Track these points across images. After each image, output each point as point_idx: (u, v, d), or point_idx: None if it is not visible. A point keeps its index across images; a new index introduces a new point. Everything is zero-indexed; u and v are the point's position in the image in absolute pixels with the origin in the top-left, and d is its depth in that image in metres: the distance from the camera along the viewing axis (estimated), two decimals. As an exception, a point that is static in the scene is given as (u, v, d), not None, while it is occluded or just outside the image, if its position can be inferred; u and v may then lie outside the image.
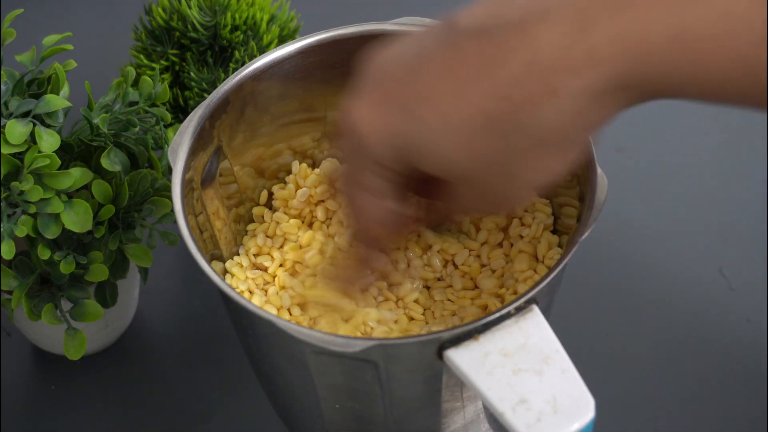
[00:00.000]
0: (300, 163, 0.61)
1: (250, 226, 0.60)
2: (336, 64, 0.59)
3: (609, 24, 0.39)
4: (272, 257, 0.58)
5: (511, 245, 0.58)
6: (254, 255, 0.59)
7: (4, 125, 0.56)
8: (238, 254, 0.59)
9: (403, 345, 0.48)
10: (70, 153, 0.60)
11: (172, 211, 0.58)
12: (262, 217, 0.60)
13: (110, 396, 0.66)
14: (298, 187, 0.60)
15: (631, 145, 0.76)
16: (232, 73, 0.60)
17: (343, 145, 0.46)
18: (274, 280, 0.58)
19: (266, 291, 0.57)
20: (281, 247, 0.59)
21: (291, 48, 0.58)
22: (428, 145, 0.43)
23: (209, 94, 0.59)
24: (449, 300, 0.57)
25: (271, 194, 0.62)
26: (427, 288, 0.58)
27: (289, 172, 0.62)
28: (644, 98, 0.42)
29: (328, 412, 0.53)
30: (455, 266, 0.58)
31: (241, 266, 0.58)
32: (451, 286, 0.57)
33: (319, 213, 0.60)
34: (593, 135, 0.43)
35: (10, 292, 0.61)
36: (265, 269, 0.58)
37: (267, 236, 0.59)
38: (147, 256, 0.60)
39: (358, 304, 0.54)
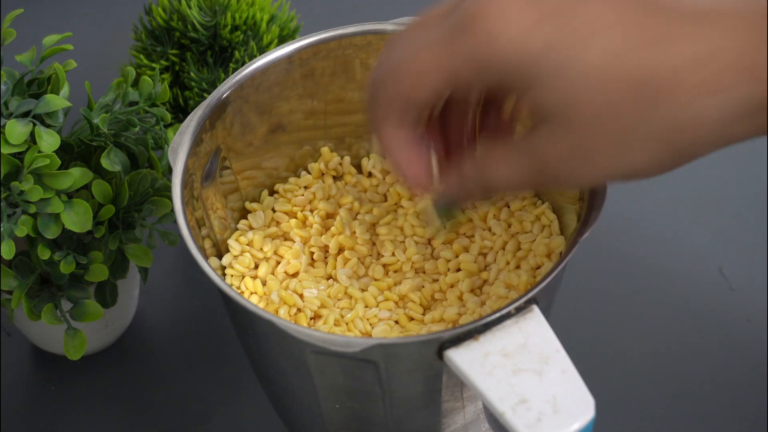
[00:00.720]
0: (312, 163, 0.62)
1: (243, 223, 0.60)
2: (336, 64, 0.59)
3: None
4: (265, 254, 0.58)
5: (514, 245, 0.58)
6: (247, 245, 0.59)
7: (4, 125, 0.56)
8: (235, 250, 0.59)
9: (403, 345, 0.48)
10: (70, 153, 0.60)
11: (172, 211, 0.58)
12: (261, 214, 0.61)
13: (110, 396, 0.66)
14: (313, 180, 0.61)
15: (631, 145, 0.76)
16: (232, 73, 0.60)
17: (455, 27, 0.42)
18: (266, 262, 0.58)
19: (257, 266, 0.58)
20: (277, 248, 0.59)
21: (291, 48, 0.58)
22: (568, 61, 0.40)
23: (209, 94, 0.59)
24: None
25: (271, 194, 0.62)
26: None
27: (289, 171, 0.62)
28: None
29: (328, 412, 0.53)
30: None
31: (240, 242, 0.58)
32: (452, 286, 0.58)
33: (317, 216, 0.60)
34: (698, 155, 0.42)
35: (10, 292, 0.61)
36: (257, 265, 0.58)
37: (266, 236, 0.59)
38: (147, 256, 0.60)
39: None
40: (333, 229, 0.59)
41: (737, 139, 0.42)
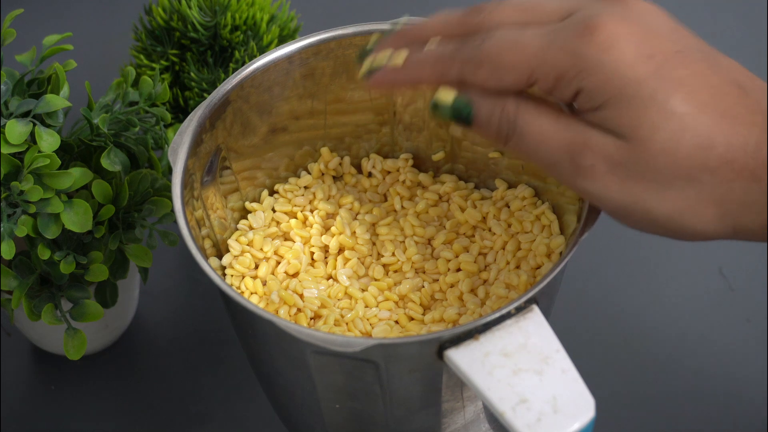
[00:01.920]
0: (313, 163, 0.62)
1: (243, 223, 0.60)
2: (336, 64, 0.59)
3: None
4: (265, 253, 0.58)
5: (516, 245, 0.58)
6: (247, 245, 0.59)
7: (4, 125, 0.56)
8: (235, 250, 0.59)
9: (403, 345, 0.48)
10: (70, 153, 0.60)
11: (172, 211, 0.58)
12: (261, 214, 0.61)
13: (110, 396, 0.66)
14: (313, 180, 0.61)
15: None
16: (232, 73, 0.60)
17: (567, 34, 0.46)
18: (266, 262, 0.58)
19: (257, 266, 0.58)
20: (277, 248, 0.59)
21: (291, 48, 0.58)
22: (662, 97, 0.44)
23: (209, 94, 0.59)
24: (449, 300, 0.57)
25: (271, 194, 0.62)
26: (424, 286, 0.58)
27: (289, 172, 0.62)
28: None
29: (328, 412, 0.53)
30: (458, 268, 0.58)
31: (239, 242, 0.58)
32: (452, 286, 0.58)
33: (318, 215, 0.60)
34: (708, 233, 0.46)
35: (10, 292, 0.61)
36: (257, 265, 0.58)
37: (266, 236, 0.59)
38: (147, 256, 0.60)
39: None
40: (333, 229, 0.59)
41: None
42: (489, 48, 0.47)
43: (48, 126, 0.57)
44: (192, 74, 0.69)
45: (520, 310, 0.47)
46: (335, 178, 0.63)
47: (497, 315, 0.47)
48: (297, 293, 0.56)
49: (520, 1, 0.49)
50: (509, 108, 0.47)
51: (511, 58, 0.47)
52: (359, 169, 0.63)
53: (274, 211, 0.61)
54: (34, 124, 0.56)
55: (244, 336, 0.54)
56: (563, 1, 0.48)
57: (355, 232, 0.59)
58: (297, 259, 0.58)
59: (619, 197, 0.46)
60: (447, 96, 0.48)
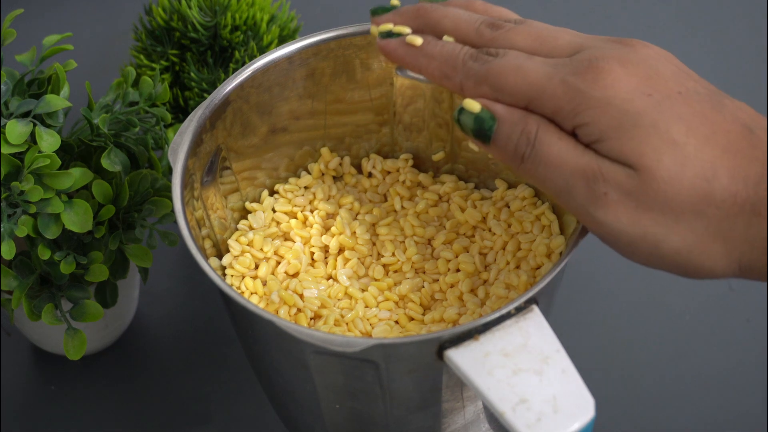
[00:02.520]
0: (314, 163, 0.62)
1: (243, 223, 0.60)
2: (336, 64, 0.59)
3: None
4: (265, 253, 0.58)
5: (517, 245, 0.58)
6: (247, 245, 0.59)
7: (5, 125, 0.56)
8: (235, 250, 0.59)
9: (403, 345, 0.48)
10: (71, 153, 0.60)
11: (172, 211, 0.58)
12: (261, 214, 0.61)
13: (110, 396, 0.66)
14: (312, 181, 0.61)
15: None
16: (232, 73, 0.60)
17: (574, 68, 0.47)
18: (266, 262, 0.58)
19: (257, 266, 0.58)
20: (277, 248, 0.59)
21: (291, 48, 0.58)
22: (663, 126, 0.45)
23: (209, 94, 0.59)
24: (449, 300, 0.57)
25: (271, 194, 0.62)
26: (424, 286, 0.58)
27: (289, 172, 0.62)
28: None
29: (328, 412, 0.53)
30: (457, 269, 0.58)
31: (239, 242, 0.58)
32: (452, 286, 0.58)
33: (318, 215, 0.60)
34: (704, 271, 0.46)
35: (10, 292, 0.61)
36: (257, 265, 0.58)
37: (266, 236, 0.59)
38: (147, 256, 0.60)
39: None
40: (333, 229, 0.59)
41: None
42: (494, 68, 0.48)
43: (48, 126, 0.57)
44: (192, 74, 0.69)
45: (520, 310, 0.47)
46: (335, 178, 0.63)
47: (497, 315, 0.47)
48: (297, 293, 0.56)
49: (535, 29, 0.50)
50: (531, 126, 0.47)
51: (513, 82, 0.47)
52: (359, 169, 0.63)
53: (274, 211, 0.61)
54: (35, 124, 0.56)
55: (244, 336, 0.54)
56: (575, 36, 0.49)
57: (355, 232, 0.59)
58: (297, 259, 0.58)
59: (629, 230, 0.46)
60: (474, 105, 0.48)
